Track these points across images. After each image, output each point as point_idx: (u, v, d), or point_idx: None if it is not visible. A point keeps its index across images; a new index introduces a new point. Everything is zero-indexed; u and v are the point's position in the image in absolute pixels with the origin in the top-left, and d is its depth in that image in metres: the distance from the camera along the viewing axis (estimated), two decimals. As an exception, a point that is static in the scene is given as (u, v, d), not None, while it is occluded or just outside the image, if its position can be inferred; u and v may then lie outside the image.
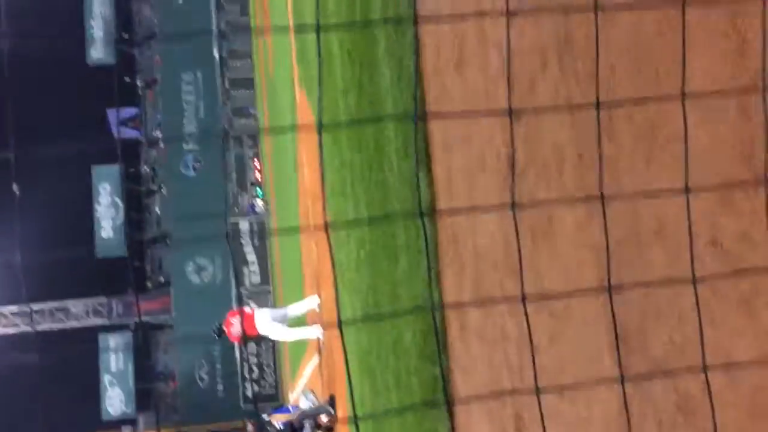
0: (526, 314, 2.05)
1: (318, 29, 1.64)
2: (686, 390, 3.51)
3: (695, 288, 2.09)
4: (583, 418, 4.36)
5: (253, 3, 38.71)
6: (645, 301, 3.76)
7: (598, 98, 2.16)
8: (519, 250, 2.32)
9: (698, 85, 3.25)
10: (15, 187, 1.64)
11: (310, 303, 15.89)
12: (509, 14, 2.17)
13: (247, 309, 15.75)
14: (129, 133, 41.64)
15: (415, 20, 7.17)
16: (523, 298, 1.82)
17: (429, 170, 6.93)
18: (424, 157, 6.95)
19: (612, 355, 3.94)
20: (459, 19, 6.17)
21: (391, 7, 8.21)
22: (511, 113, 1.95)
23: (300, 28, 19.14)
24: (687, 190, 1.87)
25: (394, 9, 8.06)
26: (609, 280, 2.37)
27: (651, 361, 3.69)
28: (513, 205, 1.93)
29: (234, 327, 15.26)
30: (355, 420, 1.74)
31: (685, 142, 2.32)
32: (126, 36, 42.11)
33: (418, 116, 7.06)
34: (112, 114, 39.58)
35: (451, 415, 6.69)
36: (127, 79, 41.40)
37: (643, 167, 3.73)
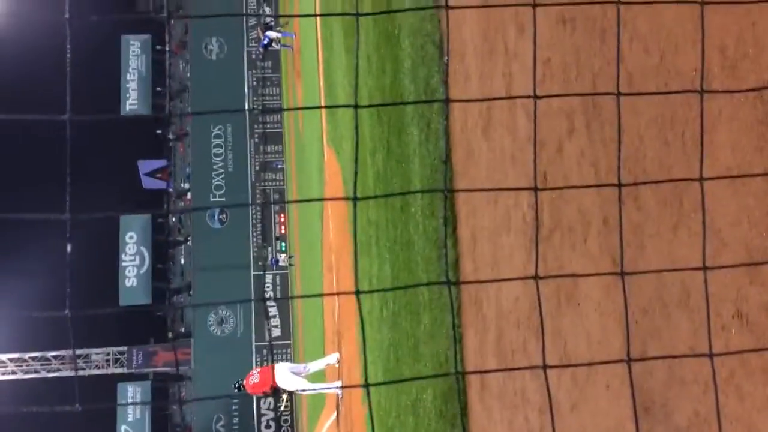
0: (547, 385, 2.05)
1: (356, 108, 1.70)
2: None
3: (711, 362, 2.08)
4: (604, 488, 4.27)
5: (284, 60, 39.47)
6: (670, 370, 3.72)
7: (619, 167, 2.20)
8: (541, 317, 2.34)
9: (725, 157, 3.27)
10: (68, 248, 1.69)
11: (329, 359, 15.88)
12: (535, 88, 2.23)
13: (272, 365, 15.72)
14: (157, 184, 42.21)
15: (445, 82, 7.28)
16: (545, 367, 1.82)
17: (454, 230, 6.96)
18: (449, 216, 6.98)
19: (635, 424, 3.88)
20: (487, 80, 6.27)
21: (420, 69, 8.35)
22: (536, 179, 1.98)
23: (330, 86, 19.47)
24: (705, 267, 1.88)
25: (424, 71, 8.20)
26: (628, 347, 2.36)
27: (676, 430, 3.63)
28: (536, 275, 1.95)
29: (253, 377, 15.25)
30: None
31: (703, 212, 2.34)
32: (159, 89, 43.02)
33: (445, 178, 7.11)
34: (142, 165, 40.25)
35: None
36: (158, 132, 42.19)
37: (670, 235, 3.73)
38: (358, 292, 1.73)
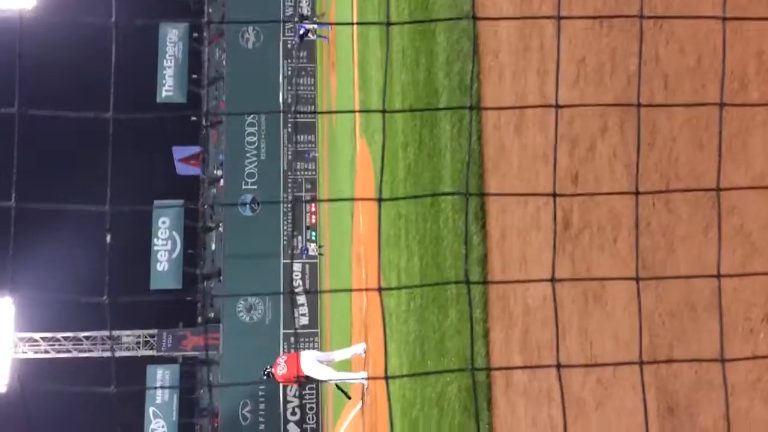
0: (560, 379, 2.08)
1: (384, 110, 1.73)
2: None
3: (723, 367, 2.10)
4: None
5: (320, 50, 39.58)
6: (696, 374, 3.72)
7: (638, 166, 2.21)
8: (555, 313, 2.36)
9: (759, 162, 3.25)
10: (108, 238, 1.75)
11: (356, 349, 15.96)
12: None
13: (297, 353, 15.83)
14: (190, 170, 42.61)
15: (478, 78, 7.28)
16: (558, 366, 1.85)
17: (483, 226, 6.97)
18: (479, 213, 6.99)
19: (660, 424, 3.89)
20: (521, 78, 6.27)
21: (455, 64, 8.35)
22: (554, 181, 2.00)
23: (363, 79, 19.51)
24: (719, 275, 1.90)
25: (459, 65, 8.20)
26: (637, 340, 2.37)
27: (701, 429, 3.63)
28: (553, 278, 1.98)
29: (280, 367, 15.37)
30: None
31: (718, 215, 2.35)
32: (195, 77, 43.39)
33: (475, 173, 7.12)
34: (176, 151, 40.65)
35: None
36: (193, 119, 42.57)
37: (700, 237, 3.72)
38: (380, 289, 1.77)
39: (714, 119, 3.72)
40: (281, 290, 38.41)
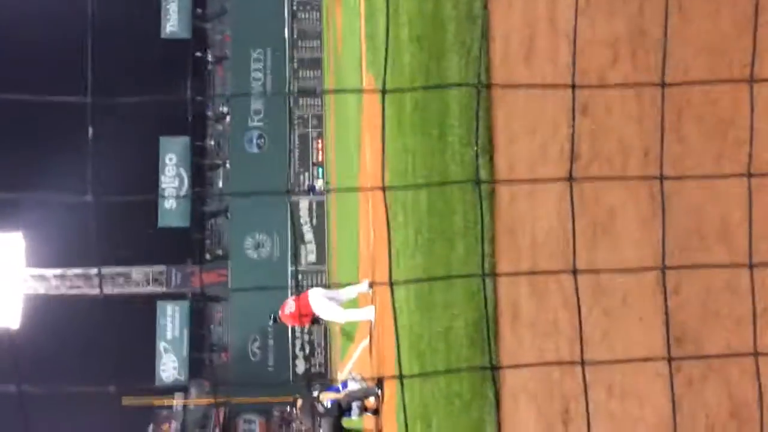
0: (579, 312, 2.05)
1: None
2: (741, 397, 3.46)
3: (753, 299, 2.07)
4: (634, 417, 4.32)
5: (325, -16, 38.88)
6: (703, 304, 3.70)
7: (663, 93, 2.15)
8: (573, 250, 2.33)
9: (774, 87, 3.17)
10: (90, 132, 1.70)
11: (362, 287, 16.00)
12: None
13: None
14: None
15: (486, 7, 7.12)
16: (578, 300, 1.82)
17: (491, 159, 6.91)
18: (487, 146, 6.92)
19: (665, 355, 3.89)
20: (531, 6, 6.12)
21: (463, -6, 8.16)
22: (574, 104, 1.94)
23: (370, 12, 19.17)
24: (750, 174, 1.86)
25: (467, -4, 8.02)
26: (664, 278, 2.35)
27: (706, 364, 3.64)
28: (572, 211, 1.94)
29: (288, 306, 15.47)
30: (403, 406, 1.76)
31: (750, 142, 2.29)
32: (200, 11, 42.76)
33: (483, 104, 7.02)
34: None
35: (498, 405, 6.69)
36: (198, 54, 42.10)
37: (712, 167, 3.66)
38: (384, 189, 1.74)
39: (727, 47, 3.62)
40: (288, 227, 38.56)
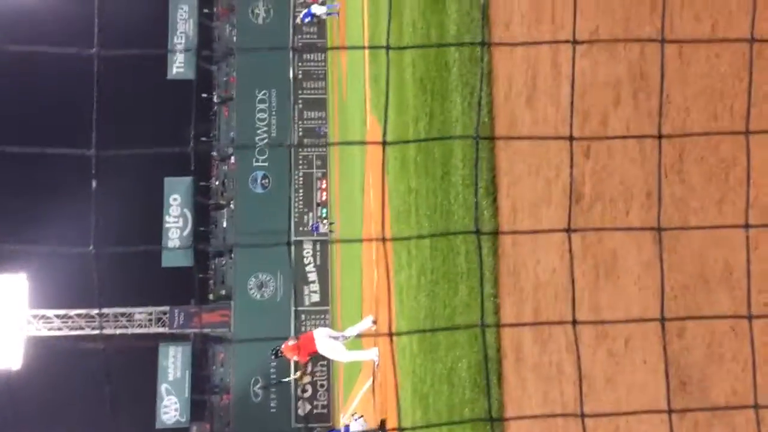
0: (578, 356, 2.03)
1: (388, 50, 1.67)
2: (747, 442, 3.39)
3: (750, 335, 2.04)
4: (637, 463, 4.24)
5: (330, 26, 39.34)
6: (708, 348, 3.66)
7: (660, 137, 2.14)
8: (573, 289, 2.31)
9: (775, 130, 3.17)
10: (93, 184, 1.70)
11: (365, 323, 15.98)
12: (576, 44, 2.18)
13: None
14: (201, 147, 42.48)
15: (488, 48, 7.18)
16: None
17: (494, 200, 6.90)
18: (490, 188, 6.92)
19: (672, 398, 3.84)
20: (533, 50, 6.17)
21: (466, 36, 8.24)
22: (571, 142, 1.93)
23: (374, 54, 19.36)
24: (748, 246, 1.83)
25: (469, 38, 8.09)
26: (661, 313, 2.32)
27: (712, 409, 3.58)
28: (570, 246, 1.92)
29: (292, 341, 15.39)
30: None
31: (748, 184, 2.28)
32: (206, 53, 43.26)
33: (487, 146, 7.04)
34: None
35: (501, 449, 6.59)
36: (204, 95, 42.50)
37: (714, 210, 3.65)
38: (384, 239, 1.72)
39: (729, 89, 3.63)
40: (292, 268, 38.49)
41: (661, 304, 1.80)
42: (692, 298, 3.75)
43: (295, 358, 15.11)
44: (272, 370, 37.68)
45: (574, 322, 1.75)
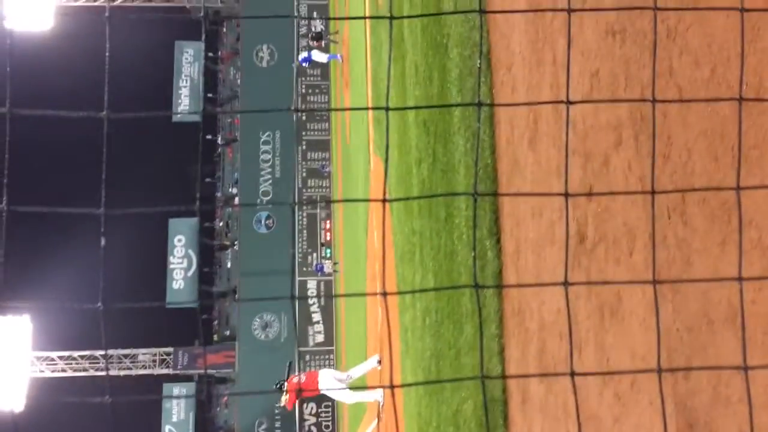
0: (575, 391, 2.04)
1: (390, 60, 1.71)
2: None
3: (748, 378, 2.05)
4: (645, 506, 4.21)
5: (333, 68, 39.76)
6: (715, 390, 3.66)
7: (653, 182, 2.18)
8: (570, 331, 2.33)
9: (775, 172, 3.21)
10: (102, 241, 1.74)
11: (371, 363, 15.91)
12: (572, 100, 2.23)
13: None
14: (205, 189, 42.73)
15: (490, 92, 7.27)
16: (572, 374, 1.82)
17: (498, 241, 6.93)
18: (494, 229, 6.95)
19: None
20: (535, 91, 6.25)
21: (468, 79, 8.34)
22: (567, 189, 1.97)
23: (378, 96, 19.55)
24: (741, 279, 1.86)
25: (471, 81, 8.19)
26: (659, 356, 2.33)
27: (719, 451, 3.57)
28: (566, 282, 1.95)
29: (297, 378, 15.31)
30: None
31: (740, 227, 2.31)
32: (210, 96, 43.69)
33: (490, 191, 7.09)
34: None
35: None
36: (209, 137, 42.83)
37: (717, 251, 3.67)
38: (385, 293, 1.75)
39: (729, 130, 3.68)
40: (296, 308, 38.42)
41: (657, 355, 1.82)
42: (696, 338, 3.76)
43: (286, 398, 14.96)
44: (277, 411, 37.38)
45: (573, 374, 1.78)
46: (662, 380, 3.99)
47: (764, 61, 3.32)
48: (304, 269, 39.37)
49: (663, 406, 1.61)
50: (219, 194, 42.89)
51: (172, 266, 40.88)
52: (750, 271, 3.33)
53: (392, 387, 1.61)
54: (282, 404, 14.96)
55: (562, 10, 1.87)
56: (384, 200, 1.69)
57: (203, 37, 44.60)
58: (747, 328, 3.35)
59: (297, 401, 15.40)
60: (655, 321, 4.16)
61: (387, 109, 1.71)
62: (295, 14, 42.39)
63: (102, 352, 38.88)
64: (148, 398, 37.02)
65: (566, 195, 1.75)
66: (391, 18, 1.74)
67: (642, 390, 4.25)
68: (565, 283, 1.75)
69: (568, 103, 1.77)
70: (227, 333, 40.35)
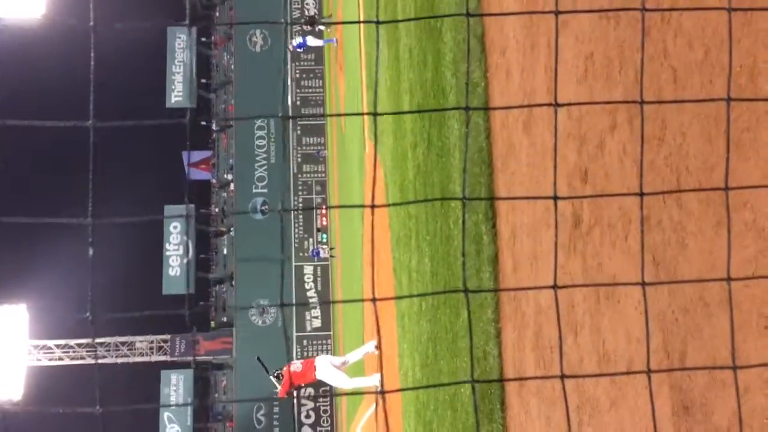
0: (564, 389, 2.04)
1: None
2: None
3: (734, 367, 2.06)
4: (642, 488, 4.24)
5: (327, 53, 39.61)
6: (710, 372, 3.67)
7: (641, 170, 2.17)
8: (559, 321, 2.33)
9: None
10: (90, 251, 1.73)
11: (367, 348, 15.94)
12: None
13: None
14: (201, 175, 42.72)
15: (485, 76, 7.25)
16: (561, 375, 1.82)
17: (494, 225, 6.93)
18: (489, 213, 6.95)
19: (675, 423, 3.84)
20: (529, 75, 6.23)
21: (462, 63, 8.32)
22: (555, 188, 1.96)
23: (372, 81, 19.50)
24: (729, 277, 1.87)
25: (466, 65, 8.17)
26: (647, 341, 2.34)
27: (715, 430, 3.59)
28: (555, 280, 1.95)
29: (295, 365, 15.30)
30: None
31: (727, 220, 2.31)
32: (204, 81, 43.52)
33: (486, 171, 7.08)
34: (186, 156, 40.81)
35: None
36: (203, 123, 42.70)
37: (711, 233, 3.68)
38: (375, 299, 1.75)
39: (723, 113, 3.68)
40: (293, 293, 38.47)
41: (647, 356, 1.82)
42: (692, 320, 3.77)
43: (279, 388, 14.98)
44: (275, 396, 37.47)
45: (563, 376, 1.78)
46: (655, 362, 4.00)
47: (758, 43, 3.31)
48: (301, 254, 39.39)
49: (652, 404, 1.62)
50: (214, 180, 42.84)
51: (168, 253, 40.88)
52: (745, 253, 3.34)
53: (383, 392, 1.61)
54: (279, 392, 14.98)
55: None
56: (372, 206, 1.69)
57: (188, 20, 44.45)
58: (742, 310, 3.36)
59: (291, 389, 15.40)
60: (651, 302, 4.17)
61: (375, 114, 1.70)
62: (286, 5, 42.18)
63: (100, 340, 38.90)
64: (144, 402, 37.13)
65: (555, 198, 1.74)
66: (378, 22, 1.73)
67: (638, 374, 4.27)
68: (554, 287, 1.75)
69: (556, 105, 1.77)
70: (224, 319, 40.42)
